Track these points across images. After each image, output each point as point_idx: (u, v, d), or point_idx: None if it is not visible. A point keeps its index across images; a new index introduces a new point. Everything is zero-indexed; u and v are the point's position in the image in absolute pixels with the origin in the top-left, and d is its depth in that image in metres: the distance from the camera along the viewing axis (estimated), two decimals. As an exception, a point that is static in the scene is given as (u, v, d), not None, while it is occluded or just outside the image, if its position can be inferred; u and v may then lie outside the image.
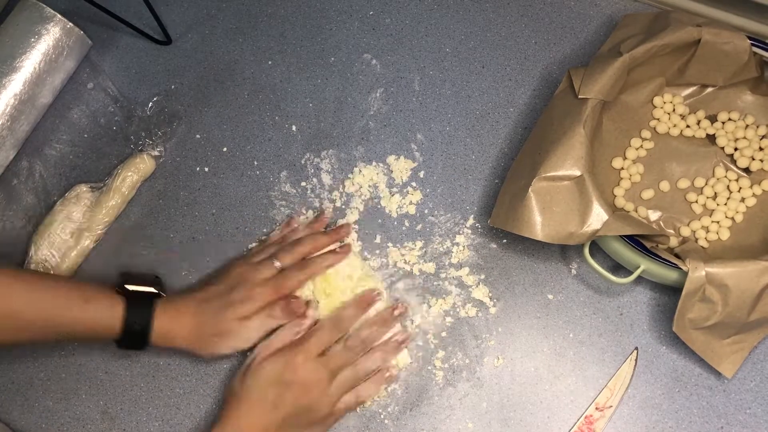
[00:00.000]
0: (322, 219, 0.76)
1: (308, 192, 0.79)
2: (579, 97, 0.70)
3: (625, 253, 0.68)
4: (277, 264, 0.72)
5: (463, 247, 0.76)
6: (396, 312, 0.72)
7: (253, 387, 0.66)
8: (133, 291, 0.70)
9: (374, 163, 0.79)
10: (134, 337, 0.67)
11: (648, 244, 0.69)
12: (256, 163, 0.80)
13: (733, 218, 0.74)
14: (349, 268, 0.74)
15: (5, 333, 0.65)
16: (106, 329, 0.67)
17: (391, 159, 0.79)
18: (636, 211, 0.75)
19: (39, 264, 0.75)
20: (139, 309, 0.68)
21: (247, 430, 0.65)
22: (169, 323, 0.68)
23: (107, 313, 0.67)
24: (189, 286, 0.76)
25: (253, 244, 0.77)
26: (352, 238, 0.76)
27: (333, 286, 0.73)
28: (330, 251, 0.74)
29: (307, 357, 0.67)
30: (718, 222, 0.74)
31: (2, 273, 0.65)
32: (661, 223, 0.75)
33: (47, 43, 0.78)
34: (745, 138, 0.75)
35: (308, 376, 0.67)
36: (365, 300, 0.72)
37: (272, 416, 0.65)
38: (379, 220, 0.78)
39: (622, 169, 0.76)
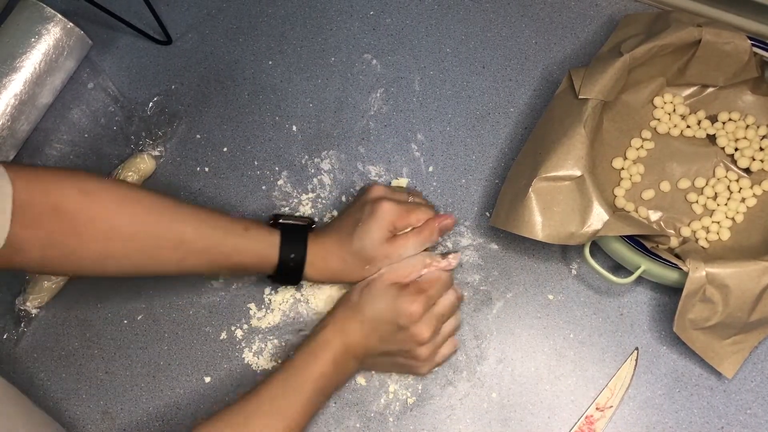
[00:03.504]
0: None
1: (309, 192, 0.79)
2: (579, 97, 0.70)
3: (626, 254, 0.68)
4: (410, 199, 0.73)
5: (464, 247, 0.76)
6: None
7: (368, 310, 0.67)
8: (287, 224, 0.71)
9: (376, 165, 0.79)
10: (289, 269, 0.68)
11: (648, 245, 0.69)
12: (256, 163, 0.80)
13: (733, 218, 0.74)
14: None
15: (174, 260, 0.65)
16: (263, 260, 0.68)
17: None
18: (636, 212, 0.75)
19: (39, 264, 0.75)
20: (294, 240, 0.69)
21: (350, 341, 0.66)
22: (321, 256, 0.69)
23: (265, 243, 0.68)
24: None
25: None
26: None
27: None
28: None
29: (425, 308, 0.67)
30: (718, 222, 0.74)
31: (167, 200, 0.66)
32: (661, 223, 0.75)
33: (47, 43, 0.78)
34: (745, 138, 0.75)
35: (421, 329, 0.67)
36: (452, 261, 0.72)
37: (376, 344, 0.67)
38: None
39: (623, 169, 0.76)
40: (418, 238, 0.69)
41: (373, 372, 0.73)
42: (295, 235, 0.69)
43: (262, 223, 0.70)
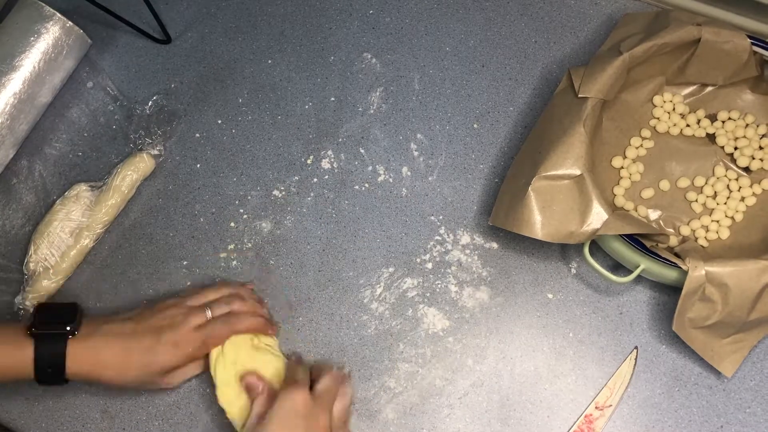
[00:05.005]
0: (249, 286, 0.76)
1: (309, 191, 0.79)
2: (579, 96, 0.70)
3: (625, 252, 0.68)
4: (209, 314, 0.71)
5: (463, 246, 0.76)
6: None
7: None
8: (42, 333, 0.67)
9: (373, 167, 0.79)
10: (50, 377, 0.66)
11: (648, 243, 0.69)
12: (255, 162, 0.80)
13: (732, 217, 0.74)
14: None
15: None
16: (17, 372, 0.66)
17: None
18: (636, 210, 0.75)
19: (38, 263, 0.75)
20: (50, 349, 0.66)
21: None
22: (88, 360, 0.67)
23: (15, 358, 0.66)
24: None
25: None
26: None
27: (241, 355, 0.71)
28: (256, 315, 0.73)
29: (307, 390, 0.66)
30: (717, 221, 0.74)
31: None
32: (660, 222, 0.75)
33: (47, 41, 0.77)
34: (744, 137, 0.75)
35: (317, 407, 0.65)
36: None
37: None
38: (379, 219, 0.78)
39: (622, 168, 0.76)
40: (193, 369, 0.71)
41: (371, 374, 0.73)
42: (52, 343, 0.66)
43: (13, 333, 0.66)
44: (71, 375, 0.67)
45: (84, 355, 0.67)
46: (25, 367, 0.66)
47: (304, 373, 0.69)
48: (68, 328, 0.67)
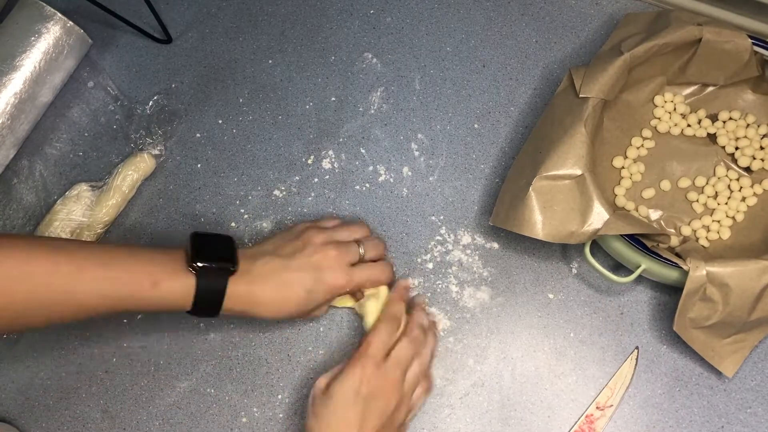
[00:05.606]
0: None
1: (309, 191, 0.79)
2: (580, 96, 0.70)
3: (626, 253, 0.68)
4: (362, 251, 0.71)
5: (464, 246, 0.76)
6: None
7: (331, 415, 0.63)
8: (204, 267, 0.65)
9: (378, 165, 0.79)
10: (204, 311, 0.66)
11: (649, 244, 0.69)
12: (256, 162, 0.80)
13: (733, 217, 0.74)
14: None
15: (79, 317, 0.63)
16: (174, 305, 0.65)
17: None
18: (637, 211, 0.75)
19: (39, 263, 0.75)
20: (212, 286, 0.65)
21: None
22: (244, 299, 0.66)
23: (177, 294, 0.64)
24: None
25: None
26: None
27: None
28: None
29: (377, 363, 0.65)
30: (718, 221, 0.74)
31: (69, 257, 0.62)
32: (661, 222, 0.75)
33: (47, 41, 0.78)
34: (745, 137, 0.75)
35: (385, 382, 0.64)
36: (404, 289, 0.72)
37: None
38: (380, 219, 0.78)
39: (623, 168, 0.76)
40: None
41: None
42: (214, 280, 0.65)
43: (176, 268, 0.64)
44: (226, 310, 0.66)
45: (241, 293, 0.65)
46: (183, 301, 0.64)
47: (391, 325, 0.68)
48: (231, 267, 0.65)
